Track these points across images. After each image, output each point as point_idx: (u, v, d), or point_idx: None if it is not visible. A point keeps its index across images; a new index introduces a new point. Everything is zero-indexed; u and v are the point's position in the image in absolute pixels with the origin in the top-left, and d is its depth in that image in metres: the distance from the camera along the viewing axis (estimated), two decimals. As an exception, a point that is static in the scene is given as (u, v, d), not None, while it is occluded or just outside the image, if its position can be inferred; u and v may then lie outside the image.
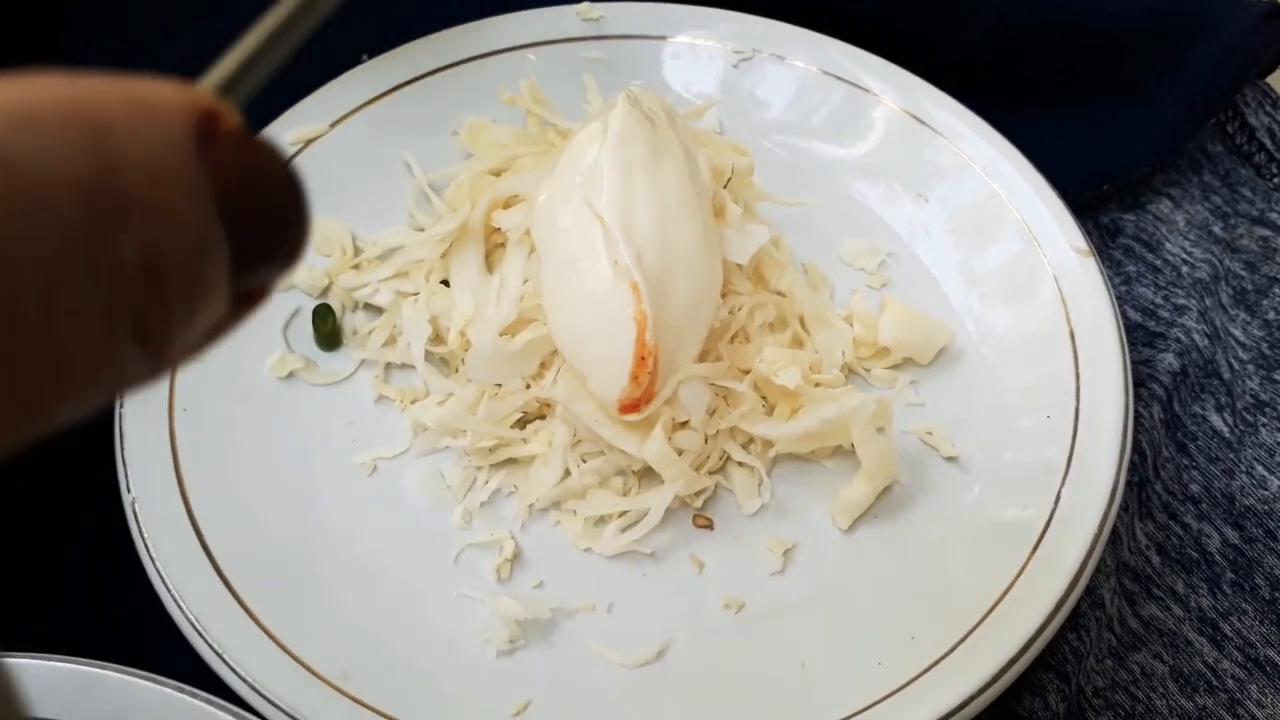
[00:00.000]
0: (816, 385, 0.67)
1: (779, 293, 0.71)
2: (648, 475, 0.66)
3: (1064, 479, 0.64)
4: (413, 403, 0.69)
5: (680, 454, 0.65)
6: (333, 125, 0.77)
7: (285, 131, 0.75)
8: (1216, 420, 0.74)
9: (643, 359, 0.61)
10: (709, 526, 0.66)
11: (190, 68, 0.20)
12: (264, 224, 0.19)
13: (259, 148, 0.19)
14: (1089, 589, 0.64)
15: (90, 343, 0.16)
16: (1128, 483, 0.65)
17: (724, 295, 0.68)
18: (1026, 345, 0.70)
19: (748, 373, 0.67)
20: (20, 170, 0.14)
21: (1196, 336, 0.76)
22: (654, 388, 0.62)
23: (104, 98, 0.16)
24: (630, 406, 0.62)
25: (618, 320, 0.62)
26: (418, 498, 0.66)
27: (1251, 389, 0.76)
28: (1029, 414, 0.68)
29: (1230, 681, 0.65)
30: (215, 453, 0.65)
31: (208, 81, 0.20)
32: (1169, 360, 0.75)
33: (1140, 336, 0.77)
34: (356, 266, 0.73)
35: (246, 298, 0.19)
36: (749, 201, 0.72)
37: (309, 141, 0.76)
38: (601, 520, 0.65)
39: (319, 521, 0.64)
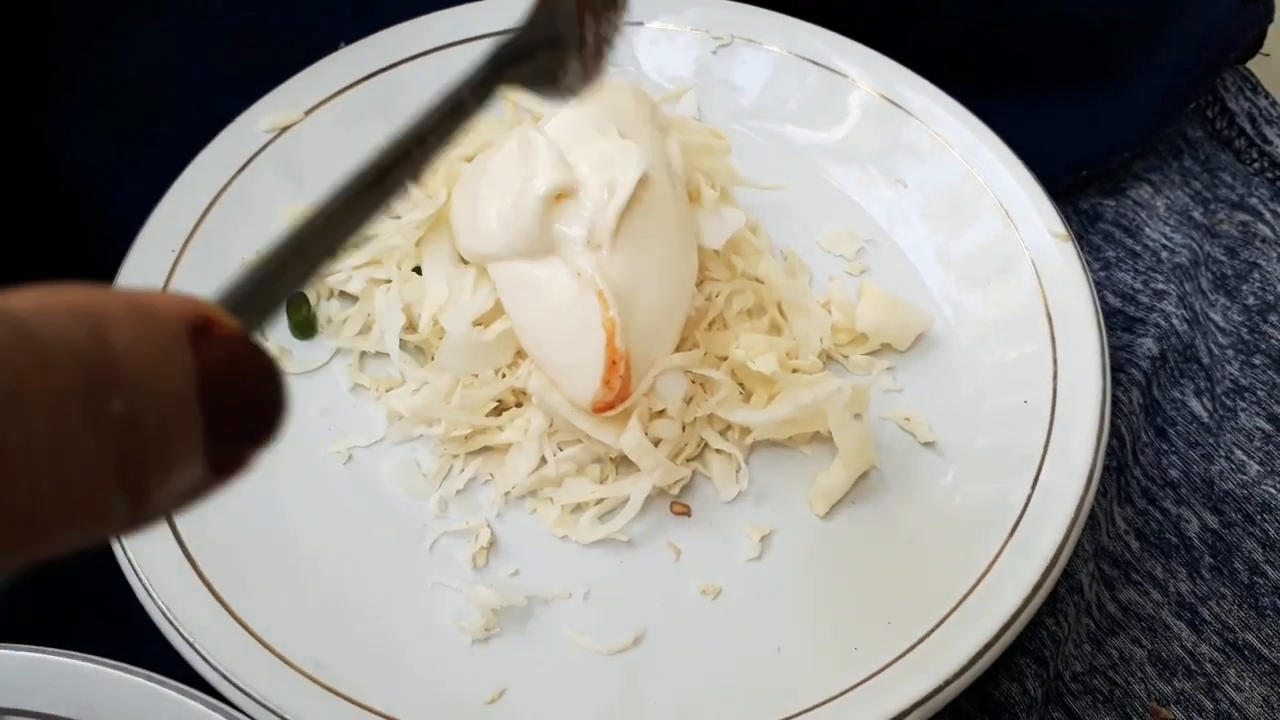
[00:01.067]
0: (794, 371, 0.67)
1: (756, 279, 0.70)
2: (625, 462, 0.65)
3: (1041, 464, 0.64)
4: (388, 391, 0.68)
5: (658, 443, 0.65)
6: (307, 112, 0.76)
7: (261, 117, 0.75)
8: (1196, 405, 0.74)
9: (614, 363, 0.61)
10: (686, 513, 0.66)
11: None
12: (242, 410, 0.22)
13: (248, 347, 0.22)
14: (1067, 574, 0.64)
15: (85, 475, 0.19)
16: (1106, 468, 0.65)
17: (700, 282, 0.68)
18: (1004, 330, 0.70)
19: (725, 360, 0.67)
20: (36, 337, 0.18)
21: (1176, 321, 0.76)
22: (628, 388, 0.62)
23: (107, 299, 0.20)
24: (604, 407, 0.62)
25: (585, 327, 0.61)
26: (393, 486, 0.66)
27: (1231, 374, 0.76)
28: (1006, 399, 0.67)
29: (1209, 666, 0.65)
30: (188, 442, 0.64)
31: (217, 297, 0.23)
32: (1148, 345, 0.75)
33: (1120, 321, 0.77)
34: (331, 254, 0.72)
35: (225, 466, 0.23)
36: (725, 187, 0.71)
37: (284, 128, 0.75)
38: (578, 508, 0.65)
39: (293, 510, 0.64)
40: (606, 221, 0.62)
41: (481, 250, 0.65)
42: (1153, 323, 0.76)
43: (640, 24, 0.83)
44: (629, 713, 0.59)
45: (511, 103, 0.77)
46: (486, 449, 0.67)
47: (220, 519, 0.62)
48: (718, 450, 0.67)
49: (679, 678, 0.60)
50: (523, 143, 0.65)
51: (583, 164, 0.63)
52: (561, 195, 0.63)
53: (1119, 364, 0.74)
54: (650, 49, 0.83)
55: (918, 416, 0.68)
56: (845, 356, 0.71)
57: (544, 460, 0.65)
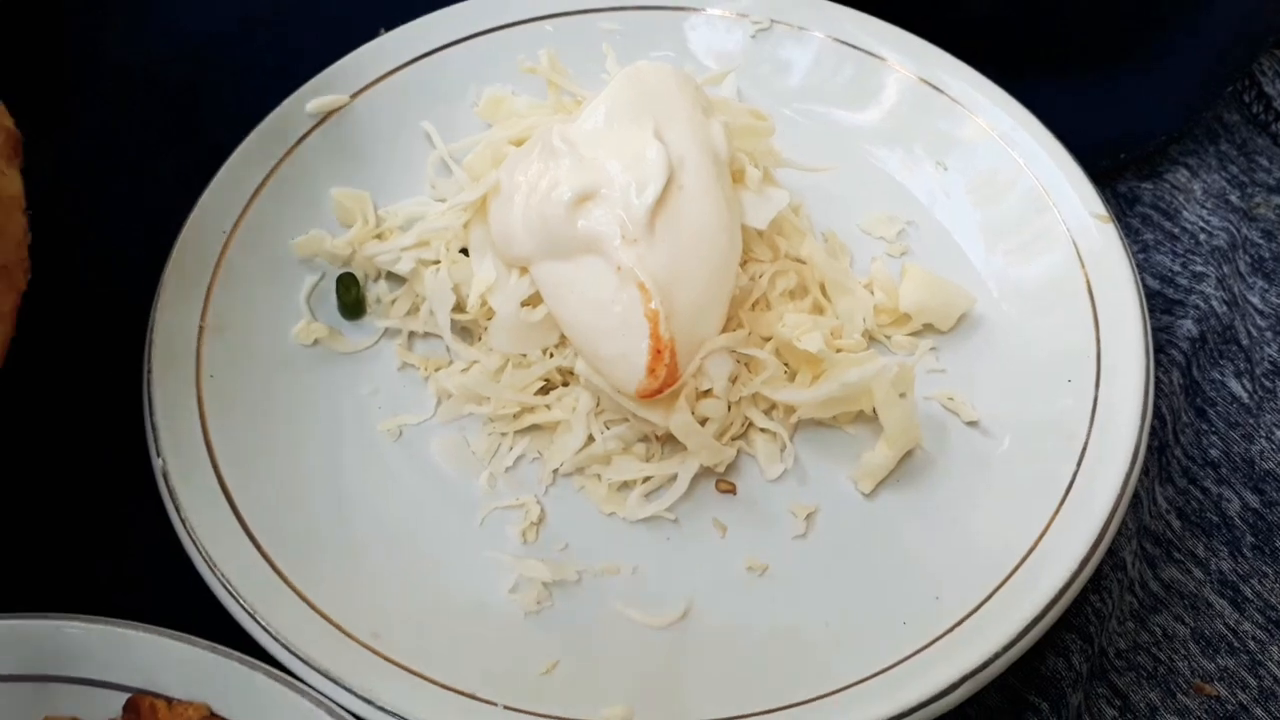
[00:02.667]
0: (838, 351, 0.68)
1: (799, 259, 0.71)
2: (671, 440, 0.66)
3: (1085, 443, 0.64)
4: (437, 370, 0.69)
5: (704, 422, 0.65)
6: (353, 96, 0.77)
7: (306, 102, 0.75)
8: (1235, 386, 0.75)
9: (658, 352, 0.61)
10: (732, 491, 0.67)
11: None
12: None
13: None
14: (1110, 552, 0.64)
15: None
16: (1148, 447, 0.66)
17: (744, 262, 0.69)
18: (1047, 311, 0.71)
19: (769, 339, 0.68)
20: None
21: (1215, 303, 0.76)
22: (675, 374, 0.62)
23: None
24: (650, 394, 0.63)
25: (629, 319, 0.62)
26: (443, 463, 0.66)
27: (1270, 355, 0.76)
28: (1050, 379, 0.68)
29: (1251, 643, 0.65)
30: (243, 418, 0.65)
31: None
32: (1188, 327, 0.75)
33: (1159, 304, 0.77)
34: (379, 236, 0.73)
35: None
36: (768, 167, 0.72)
37: (330, 113, 0.76)
38: (625, 486, 0.66)
39: (346, 486, 0.65)
40: (638, 217, 0.62)
41: (516, 255, 0.66)
42: (1192, 305, 0.76)
43: (681, 10, 0.83)
44: (678, 684, 0.60)
45: (555, 86, 0.77)
46: (535, 427, 0.67)
47: (277, 496, 0.63)
48: (763, 429, 0.68)
49: (726, 651, 0.61)
50: (544, 150, 0.66)
51: (612, 161, 0.64)
52: (587, 198, 0.63)
53: (1159, 345, 0.74)
54: (692, 34, 0.83)
55: (961, 396, 0.69)
56: (888, 337, 0.72)
57: (591, 438, 0.66)
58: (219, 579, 0.58)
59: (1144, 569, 0.67)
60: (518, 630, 0.61)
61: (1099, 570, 0.64)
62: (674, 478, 0.65)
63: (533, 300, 0.67)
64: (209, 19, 0.83)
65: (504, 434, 0.67)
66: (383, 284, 0.73)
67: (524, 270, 0.67)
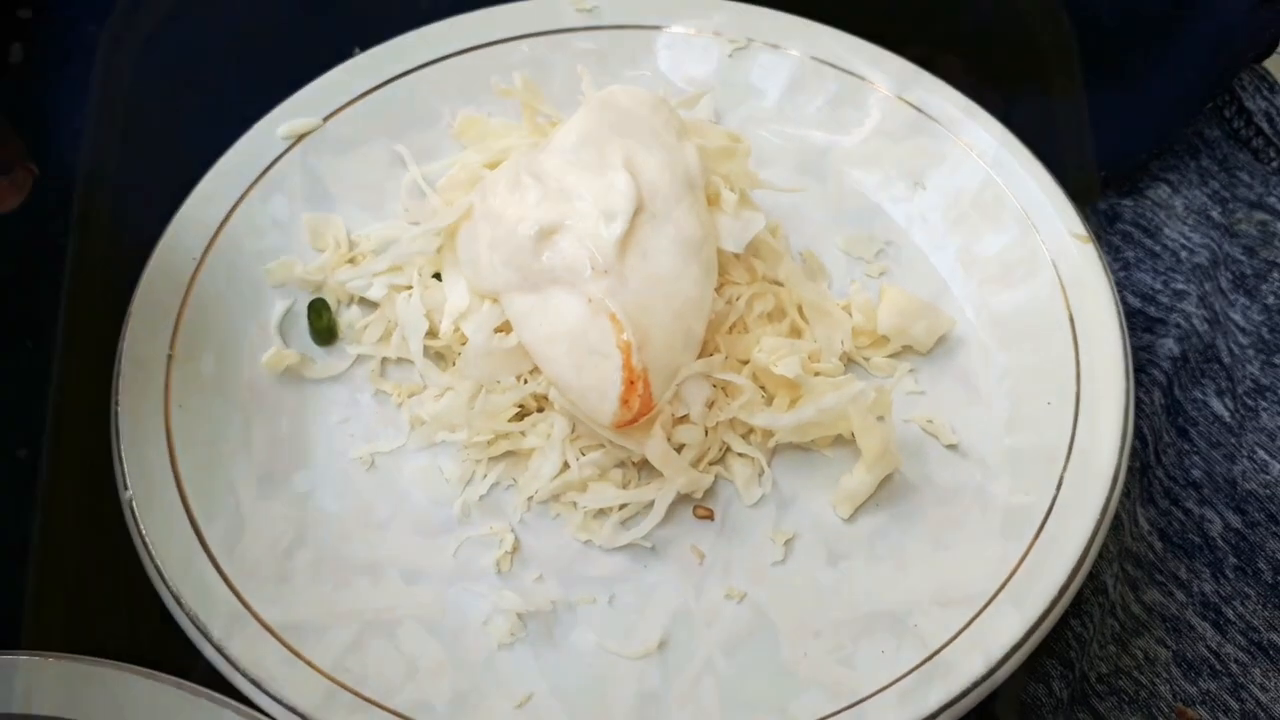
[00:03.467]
0: (816, 375, 0.67)
1: (776, 282, 0.70)
2: (647, 466, 0.65)
3: (1065, 465, 0.64)
4: (410, 397, 0.68)
5: (680, 449, 0.65)
6: (326, 119, 0.76)
7: (278, 125, 0.75)
8: (1217, 405, 0.74)
9: (631, 383, 0.61)
10: (709, 517, 0.66)
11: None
12: None
13: None
14: (1091, 575, 0.64)
15: None
16: (1129, 469, 0.65)
17: (720, 286, 0.68)
18: (1026, 332, 0.70)
19: (746, 363, 0.67)
20: None
21: (1196, 321, 0.76)
22: (649, 404, 0.62)
23: None
24: (624, 424, 0.62)
25: (600, 351, 0.61)
26: (416, 492, 0.66)
27: (1252, 374, 0.76)
28: (1030, 401, 0.67)
29: (1234, 666, 0.65)
30: (212, 449, 0.64)
31: None
32: (1169, 346, 0.75)
33: (1139, 322, 0.77)
34: (351, 260, 0.72)
35: None
36: (744, 190, 0.71)
37: (302, 136, 0.75)
38: (601, 513, 0.65)
39: (318, 516, 0.64)
40: (607, 249, 0.62)
41: (486, 286, 0.65)
42: (1173, 323, 0.76)
43: (657, 29, 0.83)
44: (655, 715, 0.59)
45: (530, 109, 0.77)
46: (509, 454, 0.66)
47: (246, 528, 0.62)
48: (740, 454, 0.67)
49: (705, 681, 0.60)
50: (511, 183, 0.65)
51: (580, 191, 0.63)
52: (553, 232, 0.63)
53: (1140, 364, 0.73)
54: (667, 54, 0.83)
55: (940, 419, 0.68)
56: (866, 359, 0.71)
57: (566, 465, 0.65)
58: (185, 613, 0.57)
59: (1125, 592, 0.67)
60: (491, 663, 0.60)
61: (1080, 594, 0.63)
62: (651, 504, 0.64)
63: (505, 327, 0.66)
64: (180, 42, 0.82)
65: (478, 461, 0.66)
66: (355, 309, 0.72)
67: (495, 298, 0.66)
